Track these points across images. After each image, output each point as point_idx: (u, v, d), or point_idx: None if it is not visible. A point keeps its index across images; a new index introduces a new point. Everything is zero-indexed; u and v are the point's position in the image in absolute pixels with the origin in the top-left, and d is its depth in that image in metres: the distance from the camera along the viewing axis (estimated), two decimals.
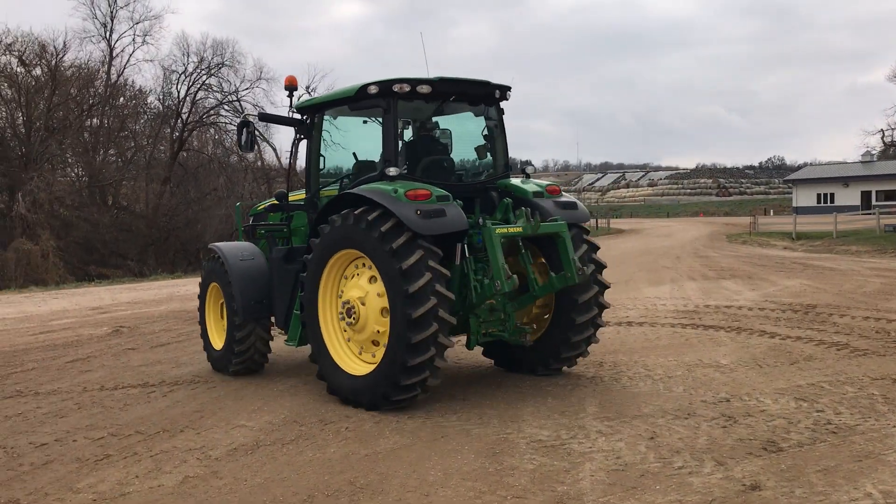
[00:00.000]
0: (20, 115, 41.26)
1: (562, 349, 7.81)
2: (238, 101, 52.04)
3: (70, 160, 45.65)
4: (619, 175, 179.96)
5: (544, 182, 8.29)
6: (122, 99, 49.54)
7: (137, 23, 50.23)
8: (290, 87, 8.66)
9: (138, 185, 47.67)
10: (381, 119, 7.63)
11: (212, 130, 53.20)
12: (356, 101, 7.82)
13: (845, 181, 73.85)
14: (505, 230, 7.06)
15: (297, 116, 8.54)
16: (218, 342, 9.11)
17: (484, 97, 8.11)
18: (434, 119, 8.37)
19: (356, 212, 6.91)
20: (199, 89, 50.80)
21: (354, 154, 8.46)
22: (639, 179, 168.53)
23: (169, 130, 49.97)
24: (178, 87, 50.39)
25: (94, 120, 46.60)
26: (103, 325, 13.57)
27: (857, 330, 10.31)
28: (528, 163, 8.83)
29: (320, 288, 7.36)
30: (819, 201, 74.13)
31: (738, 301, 13.65)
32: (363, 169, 8.17)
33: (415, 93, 7.51)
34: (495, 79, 8.05)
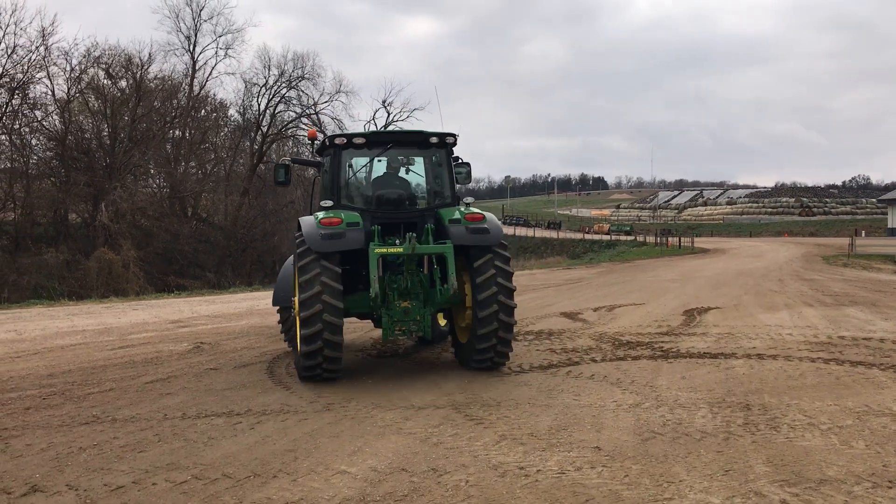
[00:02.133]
0: (105, 126, 41.92)
1: (473, 354, 9.29)
2: (317, 113, 52.16)
3: (152, 171, 46.31)
4: (696, 192, 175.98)
5: (472, 210, 9.50)
6: (203, 111, 50.22)
7: (220, 36, 50.96)
8: (313, 138, 11.27)
9: (217, 196, 48.02)
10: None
11: (290, 143, 53.36)
12: (321, 149, 10.62)
13: None
14: (384, 250, 8.84)
15: (319, 160, 11.02)
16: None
17: (420, 143, 10.04)
18: (402, 158, 10.34)
19: (296, 234, 9.23)
20: (279, 102, 51.05)
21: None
22: (717, 197, 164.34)
23: (248, 143, 50.32)
24: (259, 99, 50.81)
25: (177, 132, 47.29)
26: (183, 341, 12.94)
27: None
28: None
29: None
30: None
31: (875, 332, 12.18)
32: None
33: (352, 143, 9.76)
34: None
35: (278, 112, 51.84)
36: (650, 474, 5.44)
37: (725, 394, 7.97)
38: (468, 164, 10.81)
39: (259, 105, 50.97)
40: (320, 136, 11.42)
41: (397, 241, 9.05)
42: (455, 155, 10.32)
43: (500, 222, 9.64)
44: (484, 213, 9.48)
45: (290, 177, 11.14)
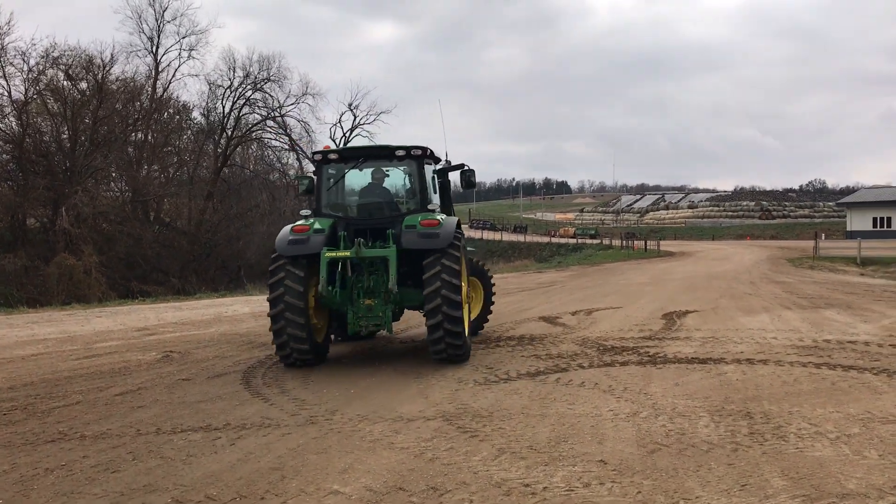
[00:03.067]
0: (66, 128, 40.84)
1: (430, 346, 10.14)
2: (282, 116, 51.48)
3: (114, 175, 45.24)
4: (658, 196, 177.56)
5: (430, 216, 10.17)
6: (166, 114, 49.22)
7: (184, 37, 50.06)
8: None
9: (181, 200, 47.05)
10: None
11: (255, 146, 52.62)
12: (313, 163, 11.55)
13: None
14: (333, 254, 9.84)
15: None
16: None
17: (388, 156, 10.88)
18: (385, 170, 11.18)
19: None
20: (244, 104, 50.27)
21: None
22: (678, 201, 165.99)
23: (212, 146, 49.45)
24: (223, 102, 50.00)
25: (139, 134, 46.26)
26: (151, 350, 12.42)
27: None
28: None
29: None
30: (875, 225, 71.59)
31: (859, 335, 12.09)
32: None
33: (328, 159, 10.91)
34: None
35: (243, 114, 51.07)
36: (663, 490, 5.15)
37: (723, 401, 7.73)
38: (471, 171, 11.94)
39: (223, 107, 50.17)
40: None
41: (360, 245, 10.00)
42: (461, 163, 11.75)
43: (460, 227, 10.78)
44: (441, 218, 10.20)
45: (312, 186, 11.56)
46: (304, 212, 10.79)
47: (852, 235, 68.19)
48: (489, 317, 13.35)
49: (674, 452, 6.01)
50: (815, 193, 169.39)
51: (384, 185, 11.28)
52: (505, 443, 6.39)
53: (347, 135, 64.79)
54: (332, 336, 11.60)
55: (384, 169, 11.20)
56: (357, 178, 11.42)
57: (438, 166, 12.02)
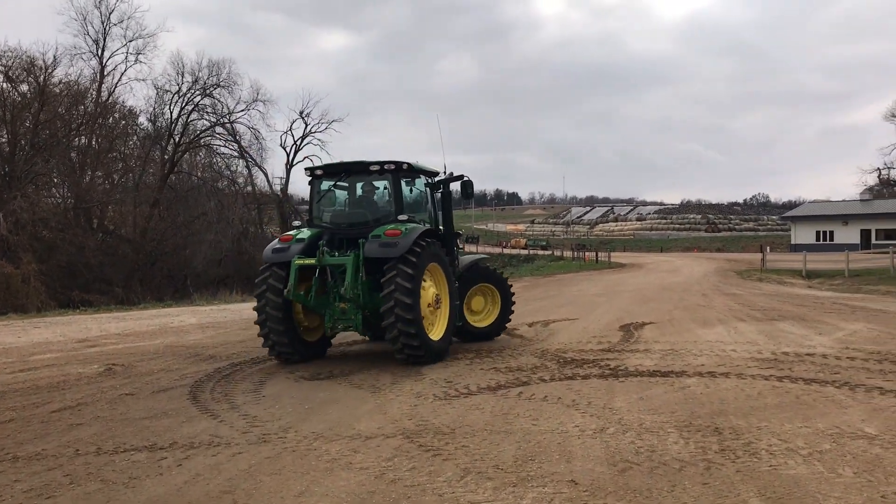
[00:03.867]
0: (4, 132, 39.46)
1: (390, 343, 10.82)
2: (232, 123, 50.59)
3: (55, 181, 43.82)
4: (607, 209, 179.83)
5: (394, 227, 10.89)
6: (111, 119, 47.90)
7: (131, 41, 48.93)
8: None
9: (126, 208, 45.76)
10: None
11: (203, 153, 51.58)
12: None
13: (845, 219, 73.02)
14: (302, 261, 10.77)
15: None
16: None
17: (365, 171, 11.66)
18: (374, 184, 11.96)
19: None
20: (192, 110, 49.23)
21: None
22: (627, 213, 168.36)
23: (159, 152, 48.29)
24: (171, 107, 48.88)
25: (83, 139, 44.88)
26: (93, 363, 11.85)
27: None
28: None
29: None
30: (818, 239, 73.22)
31: (816, 348, 12.10)
32: None
33: (315, 174, 11.97)
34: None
35: (191, 120, 49.99)
36: None
37: (690, 416, 7.55)
38: (469, 182, 12.53)
39: (171, 113, 49.02)
40: None
41: (336, 254, 11.10)
42: (460, 174, 12.49)
43: (433, 236, 11.54)
44: (405, 229, 10.77)
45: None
46: (296, 223, 12.61)
47: (797, 248, 69.60)
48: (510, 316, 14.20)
49: (645, 471, 5.78)
50: (759, 207, 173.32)
51: (373, 197, 12.05)
52: (470, 462, 6.10)
53: (299, 143, 64.07)
54: (367, 336, 12.98)
55: (374, 183, 11.95)
56: (348, 191, 12.26)
57: (436, 179, 12.66)
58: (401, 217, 11.34)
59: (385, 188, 11.90)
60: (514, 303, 14.17)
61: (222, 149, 52.45)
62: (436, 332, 11.27)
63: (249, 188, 54.76)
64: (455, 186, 12.88)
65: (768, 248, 65.48)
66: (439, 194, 12.69)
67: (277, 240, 11.54)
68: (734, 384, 9.17)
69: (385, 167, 11.50)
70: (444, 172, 12.70)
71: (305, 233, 11.47)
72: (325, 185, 12.08)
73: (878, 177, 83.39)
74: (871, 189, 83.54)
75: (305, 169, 12.23)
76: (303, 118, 63.73)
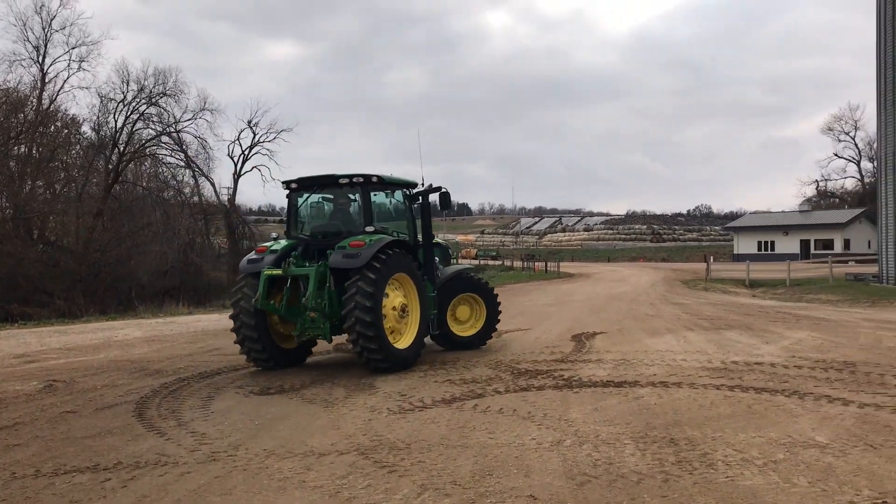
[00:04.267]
0: None
1: (353, 347, 11.09)
2: (178, 132, 49.75)
3: None
4: (555, 219, 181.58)
5: (359, 238, 11.20)
6: (53, 127, 46.62)
7: (73, 48, 47.89)
8: None
9: (68, 218, 44.48)
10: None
11: (149, 162, 50.59)
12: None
13: (785, 230, 74.95)
14: (270, 272, 11.14)
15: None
16: None
17: (334, 184, 11.96)
18: (350, 196, 12.24)
19: None
20: (137, 119, 48.27)
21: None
22: (575, 224, 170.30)
23: (103, 162, 47.18)
24: (116, 116, 47.85)
25: (22, 148, 43.61)
26: (32, 379, 11.43)
27: None
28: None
29: None
30: (760, 249, 75.02)
31: (763, 356, 12.28)
32: None
33: (290, 187, 12.21)
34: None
35: (137, 129, 48.97)
36: None
37: (645, 427, 7.56)
38: (446, 193, 12.77)
39: (116, 122, 47.91)
40: None
41: (307, 264, 11.47)
42: (439, 185, 12.67)
43: (400, 246, 11.68)
44: (368, 240, 11.04)
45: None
46: (273, 234, 13.22)
47: (739, 258, 71.16)
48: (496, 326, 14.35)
49: (604, 484, 5.74)
50: (703, 218, 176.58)
51: (348, 209, 12.37)
52: (426, 478, 5.99)
53: (247, 153, 63.35)
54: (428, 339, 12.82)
55: (349, 195, 12.25)
56: (324, 204, 12.69)
57: (415, 190, 12.85)
58: (368, 228, 11.59)
59: (353, 199, 12.23)
60: (500, 312, 14.32)
61: (168, 158, 51.61)
62: (403, 341, 11.51)
63: (196, 198, 53.91)
64: (434, 198, 13.11)
65: (712, 257, 66.79)
66: (417, 206, 12.94)
67: (254, 251, 12.01)
68: (687, 394, 9.23)
69: (354, 180, 11.76)
70: (423, 184, 12.90)
71: (280, 244, 11.85)
72: (303, 197, 12.36)
73: (817, 188, 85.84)
74: (809, 200, 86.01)
75: (282, 182, 12.45)
76: (251, 127, 63.18)
